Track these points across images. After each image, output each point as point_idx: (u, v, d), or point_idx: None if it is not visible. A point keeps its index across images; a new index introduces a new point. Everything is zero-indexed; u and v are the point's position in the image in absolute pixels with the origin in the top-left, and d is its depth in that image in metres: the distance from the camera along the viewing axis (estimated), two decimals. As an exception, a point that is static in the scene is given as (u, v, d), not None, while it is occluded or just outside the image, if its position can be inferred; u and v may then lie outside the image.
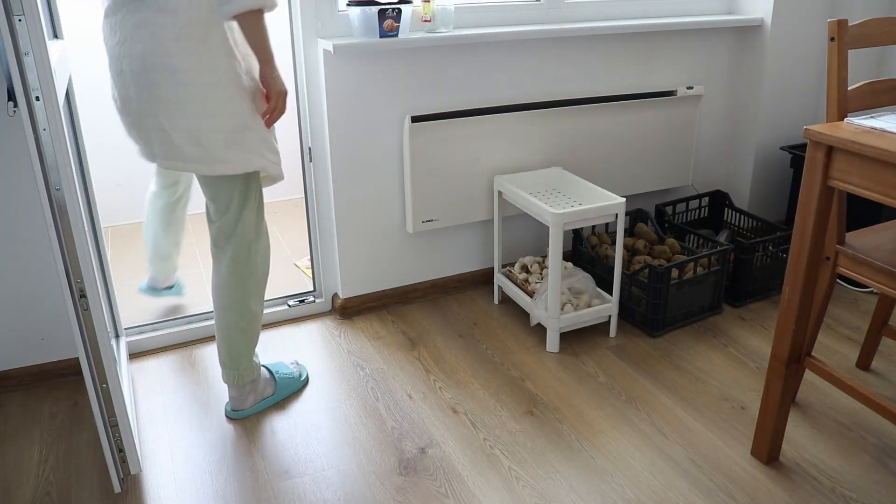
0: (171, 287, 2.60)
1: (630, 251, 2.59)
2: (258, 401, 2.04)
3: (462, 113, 2.40)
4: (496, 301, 2.62)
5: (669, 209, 2.83)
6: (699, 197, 2.89)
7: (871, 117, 1.52)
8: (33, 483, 1.78)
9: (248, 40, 1.68)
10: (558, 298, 2.23)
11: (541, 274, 2.52)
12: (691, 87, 2.74)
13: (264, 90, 1.77)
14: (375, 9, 2.15)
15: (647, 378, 2.16)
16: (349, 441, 1.91)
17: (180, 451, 1.88)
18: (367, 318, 2.53)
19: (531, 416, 2.00)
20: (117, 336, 2.28)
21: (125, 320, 2.40)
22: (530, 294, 2.40)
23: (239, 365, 1.96)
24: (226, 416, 2.01)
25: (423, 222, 2.46)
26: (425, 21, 2.31)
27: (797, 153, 2.79)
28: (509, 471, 1.79)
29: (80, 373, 2.21)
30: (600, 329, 2.42)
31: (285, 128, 3.64)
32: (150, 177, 2.41)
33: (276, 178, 1.89)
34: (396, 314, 2.55)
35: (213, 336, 2.41)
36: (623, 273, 2.40)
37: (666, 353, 2.30)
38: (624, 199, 2.25)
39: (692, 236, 2.68)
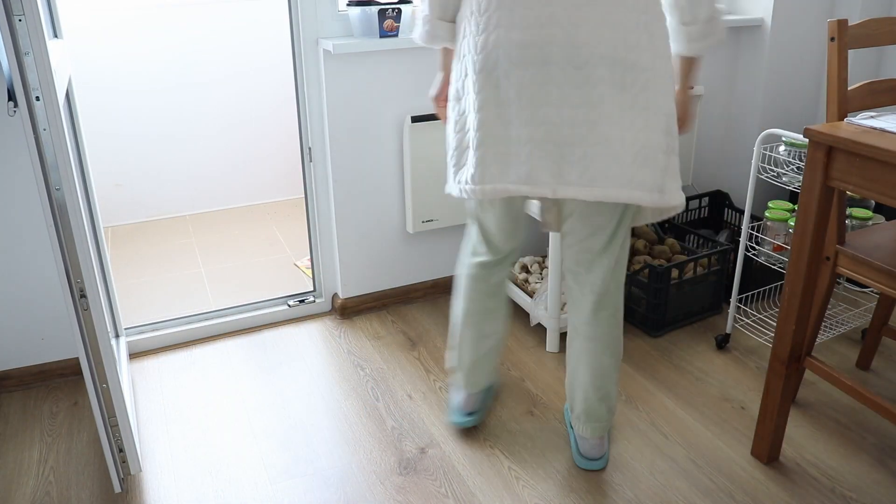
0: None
1: (630, 251, 2.58)
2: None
3: (462, 113, 2.40)
4: (496, 301, 2.61)
5: (669, 209, 2.82)
6: (699, 197, 2.89)
7: (871, 117, 1.52)
8: (33, 483, 1.78)
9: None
10: (558, 298, 2.23)
11: (541, 274, 2.52)
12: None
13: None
14: (375, 9, 2.15)
15: (647, 378, 2.16)
16: (349, 441, 1.91)
17: (180, 451, 1.88)
18: (367, 318, 2.53)
19: (531, 416, 2.00)
20: (117, 336, 2.28)
21: (125, 320, 2.40)
22: (530, 294, 2.40)
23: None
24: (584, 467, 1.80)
25: (423, 222, 2.46)
26: (425, 21, 2.31)
27: (797, 153, 2.79)
28: (509, 471, 1.79)
29: (80, 373, 2.21)
30: (600, 329, 2.41)
31: (286, 128, 3.66)
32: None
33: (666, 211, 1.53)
34: (396, 314, 2.55)
35: (213, 336, 2.41)
36: (623, 273, 2.40)
37: (666, 353, 2.30)
38: (624, 199, 2.24)
39: (692, 236, 2.68)
